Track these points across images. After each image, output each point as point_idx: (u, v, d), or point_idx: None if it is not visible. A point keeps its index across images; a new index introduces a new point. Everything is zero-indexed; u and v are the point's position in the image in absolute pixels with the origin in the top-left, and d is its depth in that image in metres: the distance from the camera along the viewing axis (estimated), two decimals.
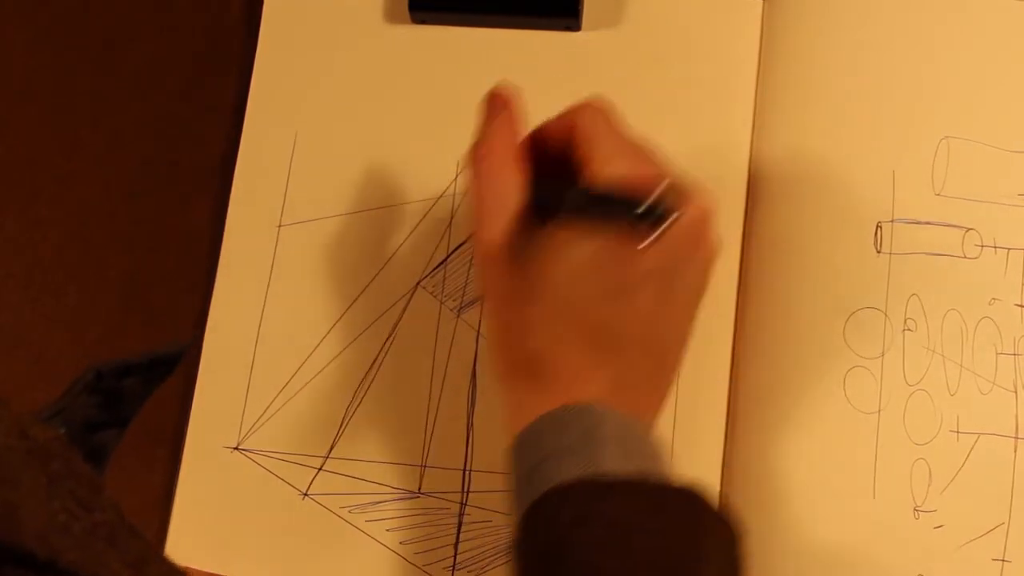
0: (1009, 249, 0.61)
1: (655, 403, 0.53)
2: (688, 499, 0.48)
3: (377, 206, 0.64)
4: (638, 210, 0.49)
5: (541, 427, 0.50)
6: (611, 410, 0.50)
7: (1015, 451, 0.59)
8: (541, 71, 0.66)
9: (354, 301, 0.63)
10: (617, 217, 0.50)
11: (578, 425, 0.49)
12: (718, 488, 0.59)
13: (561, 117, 0.54)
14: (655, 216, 0.49)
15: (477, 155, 0.54)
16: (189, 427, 0.63)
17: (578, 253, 0.51)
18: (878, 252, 0.62)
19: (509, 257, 0.52)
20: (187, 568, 0.55)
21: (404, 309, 0.63)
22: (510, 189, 0.53)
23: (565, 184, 0.52)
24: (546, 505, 0.48)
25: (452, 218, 0.64)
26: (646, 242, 0.49)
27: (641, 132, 0.64)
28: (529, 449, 0.50)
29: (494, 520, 0.60)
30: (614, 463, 0.48)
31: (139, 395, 0.44)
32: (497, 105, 0.55)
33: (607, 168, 0.52)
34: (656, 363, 0.53)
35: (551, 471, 0.48)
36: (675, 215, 0.49)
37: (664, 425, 0.60)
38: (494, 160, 0.53)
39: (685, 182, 0.52)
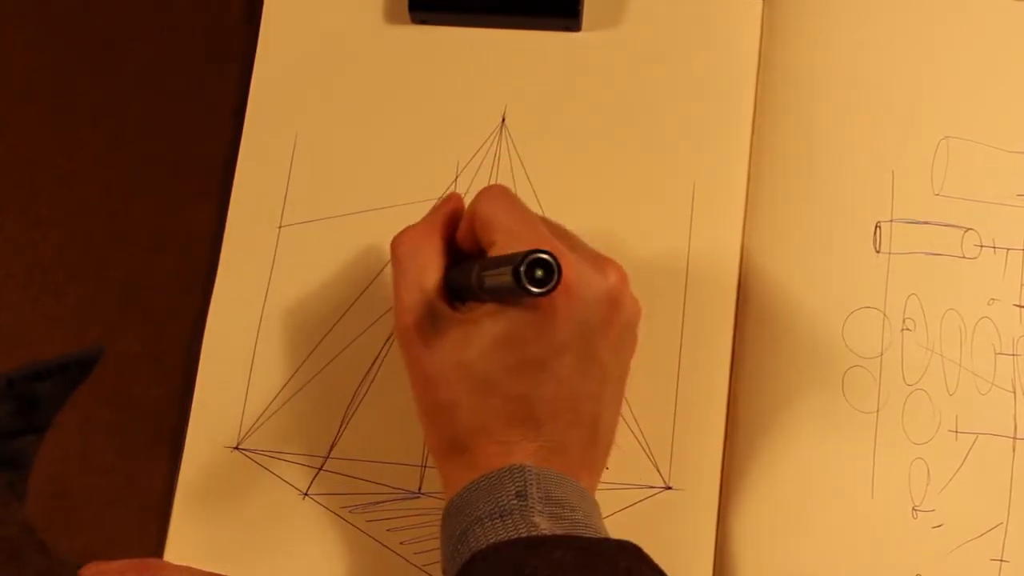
0: (1008, 249, 0.61)
1: (591, 466, 0.53)
2: (622, 554, 0.48)
3: (377, 207, 0.65)
4: (517, 276, 0.47)
5: (472, 491, 0.50)
6: (543, 470, 0.50)
7: (1013, 451, 0.59)
8: (541, 71, 0.66)
9: (354, 301, 0.63)
10: (510, 288, 0.48)
11: (510, 486, 0.49)
12: (718, 488, 0.60)
13: (467, 210, 0.55)
14: (541, 281, 0.47)
15: (397, 238, 0.55)
16: (189, 427, 0.63)
17: (490, 332, 0.51)
18: (877, 252, 0.62)
19: (424, 341, 0.52)
20: (187, 568, 0.55)
21: None
22: (425, 270, 0.53)
23: (472, 267, 0.52)
24: (481, 563, 0.47)
25: None
26: (535, 296, 0.47)
27: (640, 133, 0.64)
28: (461, 513, 0.50)
29: None
30: (547, 521, 0.48)
31: (55, 399, 0.44)
32: (443, 200, 0.56)
33: (508, 247, 0.51)
34: (587, 430, 0.53)
35: (485, 531, 0.48)
36: (555, 274, 0.47)
37: (664, 425, 0.61)
38: (412, 242, 0.54)
39: (593, 252, 0.53)
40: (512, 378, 0.51)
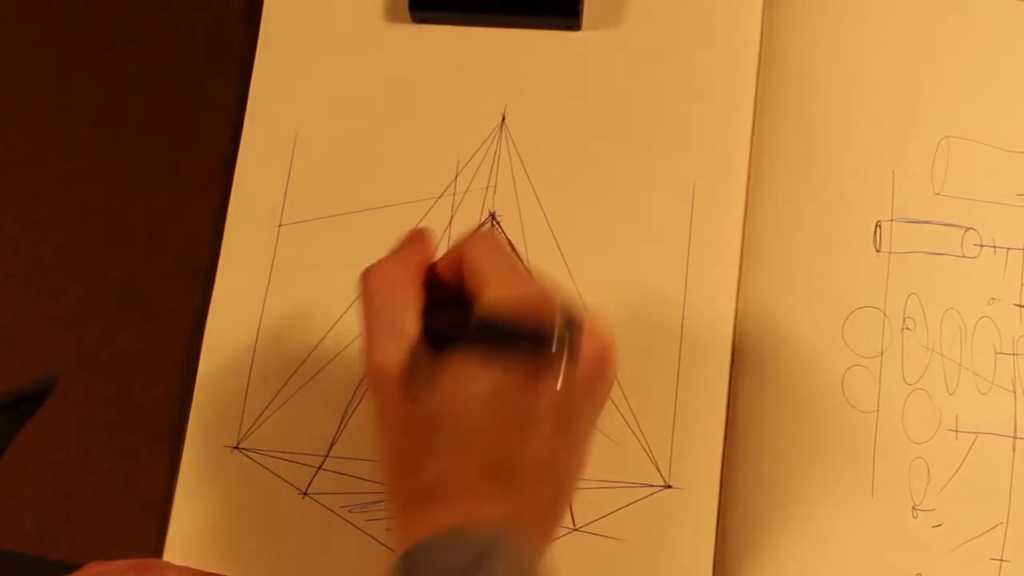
0: (1008, 249, 0.61)
1: (548, 532, 0.52)
2: None
3: (377, 206, 0.65)
4: (540, 342, 0.47)
5: (437, 543, 0.48)
6: (508, 536, 0.48)
7: (1013, 450, 0.59)
8: (541, 71, 0.66)
9: (354, 301, 0.63)
10: (515, 346, 0.48)
11: (475, 546, 0.48)
12: (718, 488, 0.59)
13: (451, 250, 0.53)
14: (554, 346, 0.48)
15: (370, 273, 0.52)
16: (189, 427, 0.63)
17: (479, 383, 0.49)
18: (877, 251, 0.62)
19: (402, 383, 0.50)
20: (187, 568, 0.56)
21: None
22: (405, 312, 0.51)
23: (460, 313, 0.51)
24: None
25: (452, 218, 0.64)
26: (560, 379, 0.48)
27: (640, 133, 0.65)
28: (418, 566, 0.48)
29: None
30: None
31: (5, 433, 0.43)
32: (412, 237, 0.54)
33: (500, 296, 0.50)
34: (553, 494, 0.52)
35: None
36: (577, 347, 0.48)
37: (664, 424, 0.61)
38: (388, 280, 0.52)
39: (582, 312, 0.51)
40: (494, 433, 0.50)
